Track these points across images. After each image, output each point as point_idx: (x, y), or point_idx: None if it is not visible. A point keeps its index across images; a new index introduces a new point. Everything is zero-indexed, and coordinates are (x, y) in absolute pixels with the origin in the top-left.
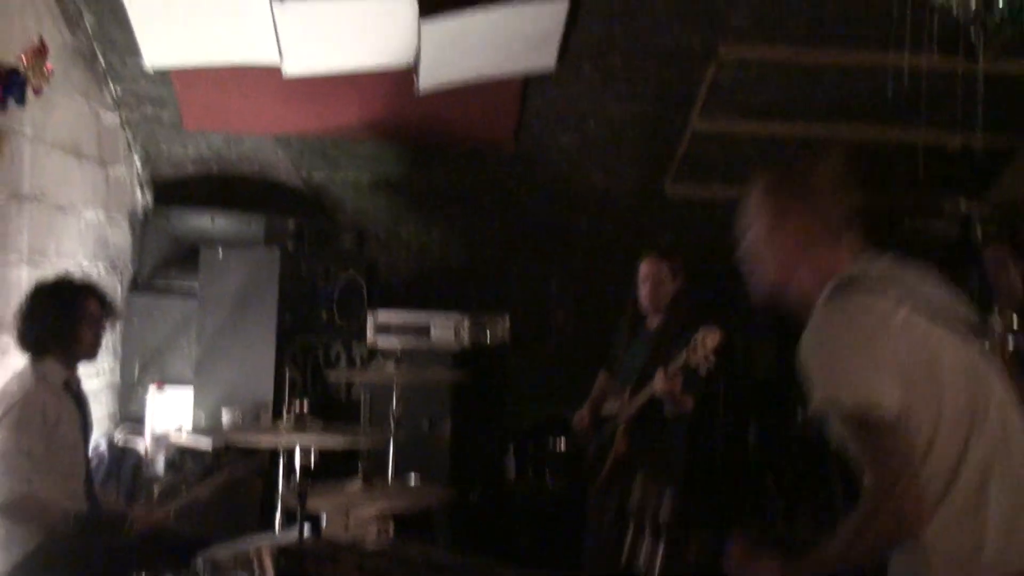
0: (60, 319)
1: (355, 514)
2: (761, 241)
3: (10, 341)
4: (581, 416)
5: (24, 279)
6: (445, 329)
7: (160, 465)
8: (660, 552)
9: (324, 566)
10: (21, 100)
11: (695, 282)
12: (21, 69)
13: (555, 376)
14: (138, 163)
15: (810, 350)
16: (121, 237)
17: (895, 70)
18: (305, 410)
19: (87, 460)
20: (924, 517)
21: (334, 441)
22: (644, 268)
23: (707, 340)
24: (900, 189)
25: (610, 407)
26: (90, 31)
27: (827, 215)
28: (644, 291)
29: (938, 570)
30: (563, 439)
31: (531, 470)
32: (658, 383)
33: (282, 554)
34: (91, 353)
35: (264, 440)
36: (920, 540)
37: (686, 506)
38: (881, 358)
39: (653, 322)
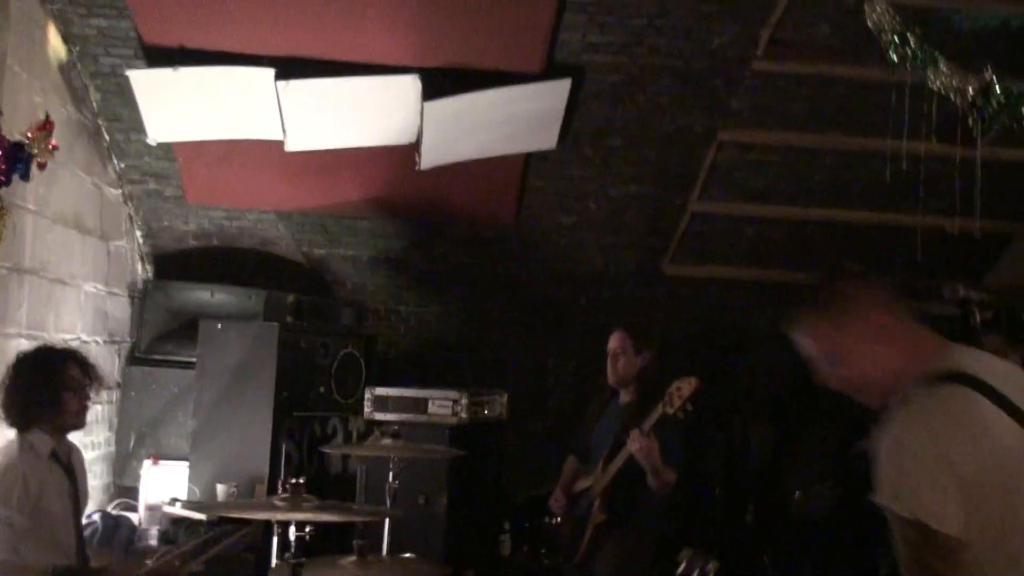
0: (42, 388)
1: None
2: (837, 364)
3: None
4: (556, 497)
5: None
6: (443, 405)
7: (154, 536)
8: None
9: None
10: (26, 176)
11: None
12: (27, 145)
13: (552, 453)
14: (139, 237)
15: (880, 446)
16: (120, 310)
17: (893, 155)
18: (300, 484)
19: (79, 529)
20: None
21: (328, 516)
22: (610, 342)
23: (682, 388)
24: (898, 272)
25: (583, 484)
26: (95, 107)
27: (875, 312)
28: (609, 366)
29: None
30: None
31: (526, 547)
32: (633, 443)
33: None
34: (77, 421)
35: (258, 514)
36: None
37: None
38: (950, 472)
39: (624, 397)
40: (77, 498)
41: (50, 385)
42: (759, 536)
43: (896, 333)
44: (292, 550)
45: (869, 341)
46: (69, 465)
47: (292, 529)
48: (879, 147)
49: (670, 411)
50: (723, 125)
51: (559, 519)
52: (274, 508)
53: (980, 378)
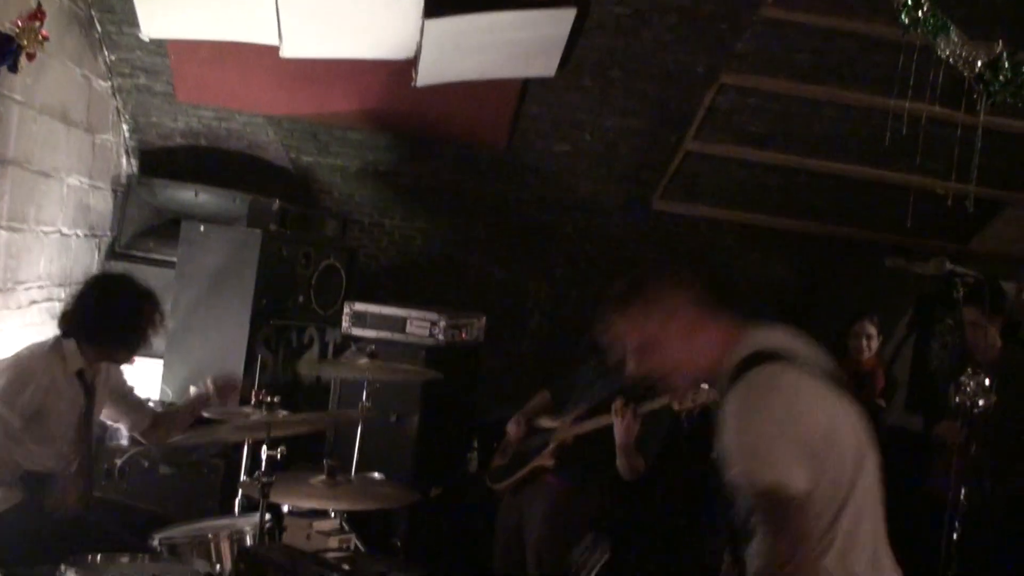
0: (119, 320)
1: (317, 525)
2: (646, 351)
3: None
4: (517, 422)
5: (2, 244)
6: (421, 326)
7: (124, 436)
8: None
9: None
10: (14, 68)
11: None
12: (16, 35)
13: (526, 376)
14: (126, 131)
15: (734, 428)
16: (103, 204)
17: (894, 114)
18: (275, 401)
19: (88, 449)
20: None
21: (300, 423)
22: None
23: (699, 395)
24: (886, 228)
25: (546, 423)
26: None
27: (687, 305)
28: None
29: None
30: None
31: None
32: (620, 418)
33: (242, 558)
34: (125, 360)
35: (232, 419)
36: None
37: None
38: (793, 438)
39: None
40: (89, 419)
41: (128, 322)
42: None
43: (704, 325)
44: (263, 467)
45: (678, 334)
46: (91, 386)
47: (264, 448)
48: (880, 104)
49: (676, 407)
50: (726, 68)
51: (508, 442)
52: (247, 418)
53: (789, 352)
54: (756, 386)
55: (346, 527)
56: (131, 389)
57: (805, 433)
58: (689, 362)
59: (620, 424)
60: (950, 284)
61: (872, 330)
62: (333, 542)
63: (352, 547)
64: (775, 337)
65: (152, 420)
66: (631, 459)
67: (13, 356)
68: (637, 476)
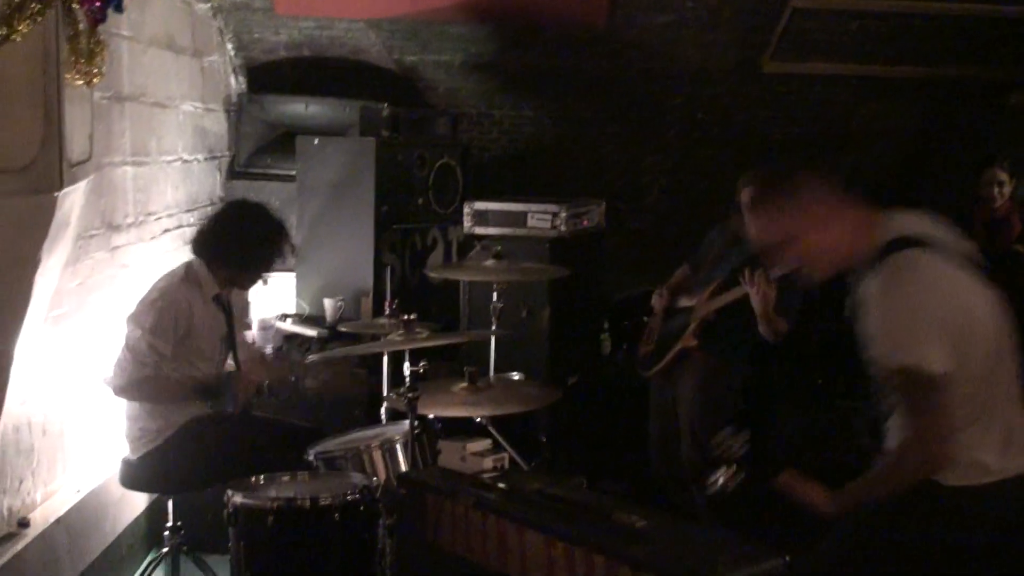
0: (252, 246)
1: (471, 447)
2: (787, 245)
3: (125, 243)
4: (660, 295)
5: (129, 178)
6: (542, 219)
7: (268, 353)
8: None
9: (442, 502)
10: (120, 8)
11: None
12: None
13: (649, 252)
14: (231, 50)
15: (877, 311)
16: (218, 125)
17: None
18: (412, 319)
19: (237, 365)
20: (952, 460)
21: (439, 340)
22: (744, 196)
23: None
24: (1006, 65)
25: (684, 301)
26: None
27: (821, 197)
28: (746, 219)
29: (949, 474)
30: None
31: (626, 345)
32: (754, 286)
33: (403, 483)
34: (249, 286)
35: (375, 348)
36: None
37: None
38: (932, 321)
39: None
40: (233, 339)
41: (262, 251)
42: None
43: (840, 215)
44: (407, 383)
45: (815, 225)
46: (228, 306)
47: (406, 365)
48: None
49: (798, 279)
50: None
51: (654, 317)
52: (388, 340)
53: (925, 238)
54: (896, 269)
55: (494, 434)
56: (247, 323)
57: (944, 316)
58: (830, 251)
59: (755, 292)
60: None
61: (1003, 176)
62: (488, 462)
63: (505, 465)
64: (914, 223)
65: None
66: (773, 323)
67: (154, 290)
68: (781, 338)
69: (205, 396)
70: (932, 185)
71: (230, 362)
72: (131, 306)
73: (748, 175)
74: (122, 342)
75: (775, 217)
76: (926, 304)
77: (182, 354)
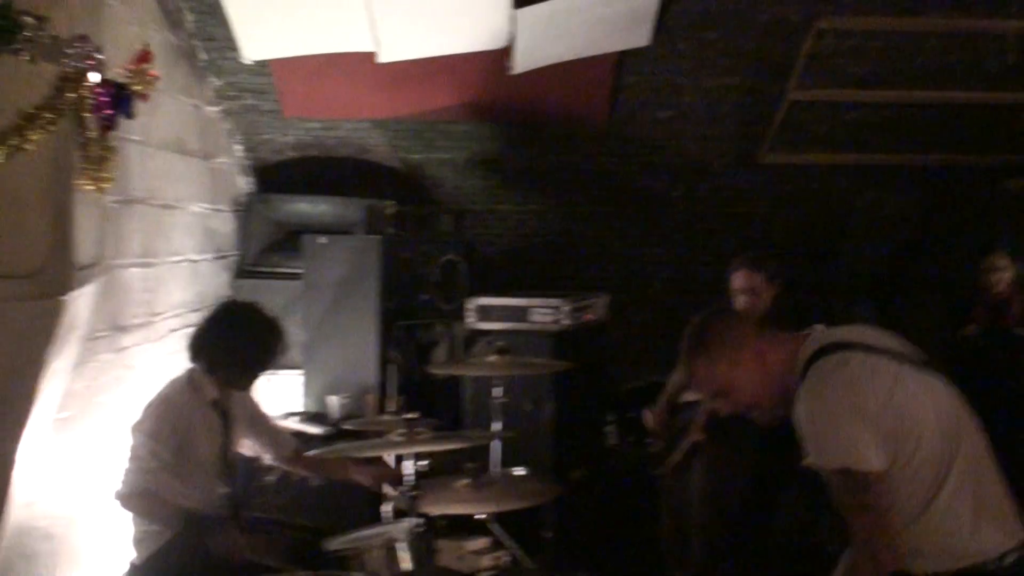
0: (249, 352)
1: (468, 546)
2: (729, 391)
3: (132, 344)
4: (655, 415)
5: (136, 279)
6: (545, 313)
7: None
8: None
9: None
10: (130, 115)
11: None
12: (128, 81)
13: (654, 343)
14: (239, 152)
15: (804, 416)
16: (226, 225)
17: (997, 35)
18: (415, 418)
19: (233, 478)
20: (902, 557)
21: (444, 445)
22: (738, 280)
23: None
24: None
25: (690, 396)
26: (190, 29)
27: (742, 341)
28: (740, 303)
29: (917, 560)
30: None
31: (632, 437)
32: None
33: None
34: (246, 387)
35: (379, 451)
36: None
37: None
38: (860, 419)
39: None
40: (229, 448)
41: (254, 349)
42: None
43: (772, 348)
44: (410, 482)
45: (749, 367)
46: (228, 414)
47: (410, 464)
48: (982, 28)
49: None
50: (820, 13)
51: (655, 433)
52: (392, 444)
53: (850, 340)
54: (822, 374)
55: (498, 533)
56: (268, 416)
57: (876, 413)
58: (769, 385)
59: None
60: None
61: (1002, 262)
62: (486, 561)
63: (503, 564)
64: (841, 332)
65: (295, 450)
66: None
67: (157, 396)
68: (777, 422)
69: (193, 531)
70: (934, 271)
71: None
72: (137, 412)
73: (738, 259)
74: (128, 452)
75: (709, 368)
76: (854, 403)
77: (181, 460)
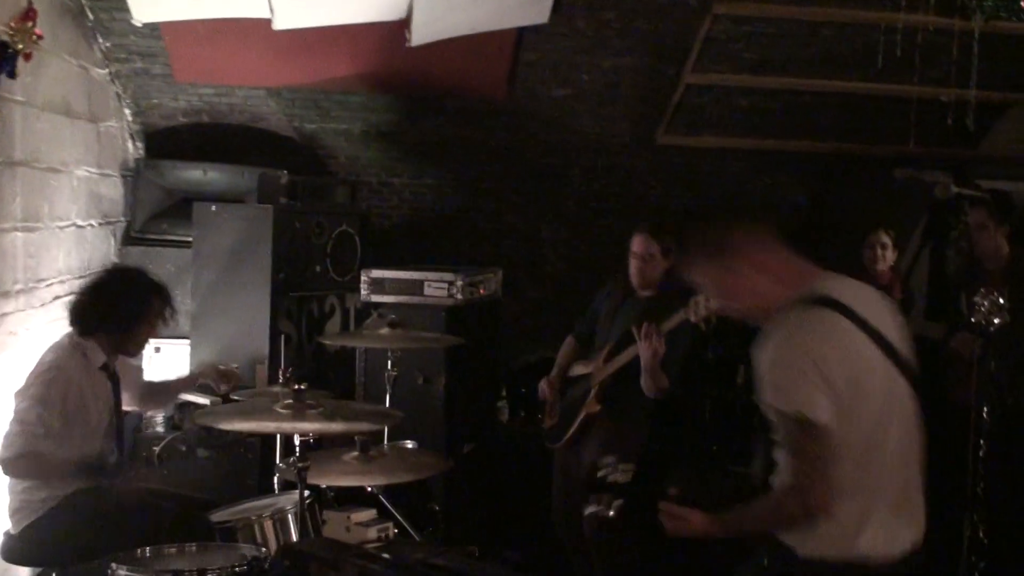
0: (124, 308)
1: (355, 517)
2: (730, 300)
3: (13, 311)
4: (548, 385)
5: (19, 245)
6: (439, 287)
7: (160, 423)
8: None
9: (326, 573)
10: (12, 74)
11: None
12: (11, 40)
13: (548, 319)
14: (128, 116)
15: (768, 358)
16: (113, 191)
17: (890, 27)
18: (303, 389)
19: (120, 438)
20: (829, 510)
21: (333, 425)
22: (635, 244)
23: (711, 301)
24: (893, 141)
25: (580, 369)
26: None
27: (748, 251)
28: (633, 267)
29: (809, 542)
30: None
31: (523, 412)
32: (645, 340)
33: (286, 554)
34: (136, 352)
35: (264, 426)
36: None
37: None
38: (821, 375)
39: (646, 292)
40: (118, 409)
41: (137, 311)
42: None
43: (773, 266)
44: (297, 453)
45: (749, 277)
46: (116, 376)
47: (296, 436)
48: (876, 19)
49: (692, 319)
50: None
51: (547, 404)
52: (279, 417)
53: (844, 302)
54: (797, 323)
55: (386, 504)
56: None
57: (833, 375)
58: (763, 299)
59: (647, 347)
60: (958, 205)
61: (886, 239)
62: (372, 532)
63: (390, 535)
64: (841, 288)
65: (146, 388)
66: (656, 378)
67: (42, 363)
68: (663, 394)
69: (90, 478)
70: (820, 255)
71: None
72: (20, 378)
73: (643, 224)
74: (10, 416)
75: (718, 276)
76: (819, 358)
77: (69, 426)
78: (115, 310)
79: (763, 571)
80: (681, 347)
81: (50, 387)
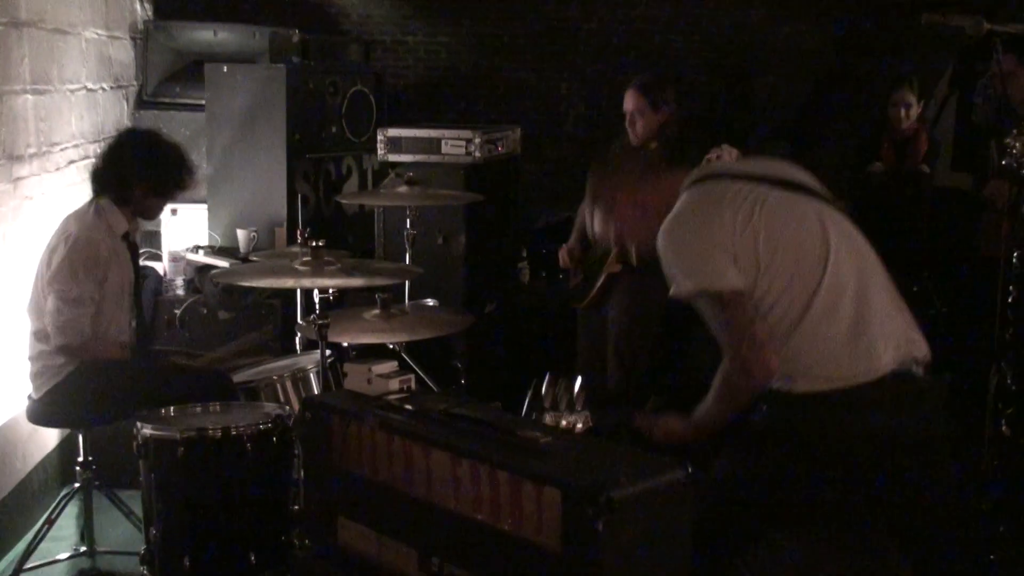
0: (148, 172)
1: (376, 369)
2: (625, 222)
3: (28, 175)
4: (569, 250)
5: (29, 107)
6: (456, 145)
7: (180, 286)
8: None
9: (348, 425)
10: None
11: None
12: None
13: (567, 178)
14: None
15: (660, 247)
16: (123, 54)
17: None
18: (321, 246)
19: (140, 308)
20: (772, 369)
21: (352, 281)
22: (625, 101)
23: (722, 155)
24: None
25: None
26: None
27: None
28: (627, 126)
29: (797, 381)
30: None
31: (545, 273)
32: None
33: (308, 407)
34: (155, 215)
35: (284, 283)
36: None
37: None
38: (718, 245)
39: (649, 148)
40: (138, 278)
41: (162, 172)
42: None
43: (645, 191)
44: (317, 310)
45: (622, 210)
46: (135, 245)
47: (316, 292)
48: None
49: None
50: None
51: (570, 269)
52: (298, 275)
53: (727, 170)
54: (681, 205)
55: (407, 361)
56: None
57: (728, 235)
58: (648, 224)
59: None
60: (986, 50)
61: (910, 98)
62: (394, 384)
63: (412, 387)
64: (724, 164)
65: None
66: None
67: (72, 238)
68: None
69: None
70: (844, 107)
71: None
72: (39, 243)
73: (634, 80)
74: (55, 304)
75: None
76: (704, 226)
77: (105, 300)
78: (137, 170)
79: (765, 417)
80: None
81: (87, 263)
